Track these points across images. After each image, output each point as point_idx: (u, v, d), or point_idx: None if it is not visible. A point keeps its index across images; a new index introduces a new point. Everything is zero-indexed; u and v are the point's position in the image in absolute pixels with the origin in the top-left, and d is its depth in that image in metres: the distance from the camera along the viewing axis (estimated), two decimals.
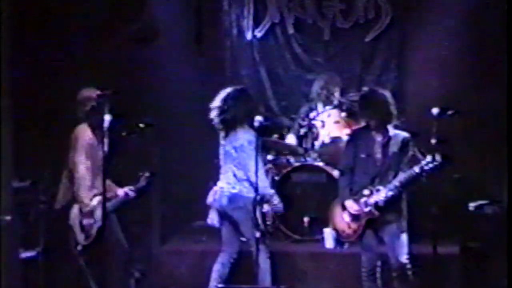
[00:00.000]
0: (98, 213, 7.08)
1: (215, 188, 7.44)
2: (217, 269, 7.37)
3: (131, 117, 7.43)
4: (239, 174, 7.19)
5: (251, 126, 7.21)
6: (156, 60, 9.22)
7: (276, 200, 7.33)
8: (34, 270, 7.90)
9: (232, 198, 7.21)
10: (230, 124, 7.26)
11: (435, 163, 6.58)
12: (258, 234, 7.03)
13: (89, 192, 7.18)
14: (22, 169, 8.15)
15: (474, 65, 8.96)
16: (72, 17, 9.07)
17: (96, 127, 7.21)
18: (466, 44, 8.99)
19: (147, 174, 7.38)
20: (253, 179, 7.09)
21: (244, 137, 7.16)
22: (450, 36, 9.08)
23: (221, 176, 7.40)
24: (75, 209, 7.28)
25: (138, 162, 8.10)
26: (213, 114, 7.32)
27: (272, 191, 7.38)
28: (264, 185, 7.25)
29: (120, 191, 7.38)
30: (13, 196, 7.74)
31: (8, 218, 7.57)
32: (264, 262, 7.21)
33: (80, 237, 7.25)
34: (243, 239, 7.49)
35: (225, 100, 7.32)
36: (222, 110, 7.29)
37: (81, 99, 7.37)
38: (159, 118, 8.00)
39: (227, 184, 7.27)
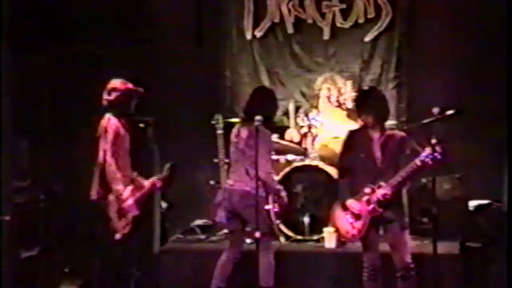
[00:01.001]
0: (131, 202, 7.16)
1: (224, 186, 7.42)
2: (220, 268, 7.36)
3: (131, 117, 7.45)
4: (252, 172, 7.17)
5: (268, 126, 7.21)
6: (156, 60, 9.22)
7: (283, 194, 7.38)
8: (34, 270, 7.92)
9: (244, 196, 7.20)
10: (251, 122, 7.23)
11: (435, 154, 6.56)
12: (258, 234, 7.01)
13: (120, 180, 7.16)
14: (22, 169, 8.18)
15: (474, 65, 8.95)
16: (72, 17, 9.08)
17: (121, 116, 7.25)
18: (466, 44, 8.99)
19: (169, 164, 7.43)
20: (265, 178, 7.09)
21: (260, 136, 7.15)
22: (450, 36, 9.07)
23: (231, 174, 7.39)
24: (111, 198, 7.22)
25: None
26: (241, 110, 7.36)
27: (281, 187, 7.40)
28: (274, 182, 7.30)
29: (147, 183, 7.41)
30: (13, 196, 7.76)
31: (8, 218, 7.59)
32: (268, 262, 7.21)
33: (119, 225, 7.24)
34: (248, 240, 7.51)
35: (252, 98, 7.37)
36: (248, 108, 7.31)
37: (107, 88, 7.39)
38: (159, 118, 7.99)
39: (239, 182, 7.26)
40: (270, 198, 7.16)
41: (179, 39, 9.42)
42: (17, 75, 8.17)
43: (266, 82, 9.77)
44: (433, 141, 6.62)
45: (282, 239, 8.48)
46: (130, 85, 7.38)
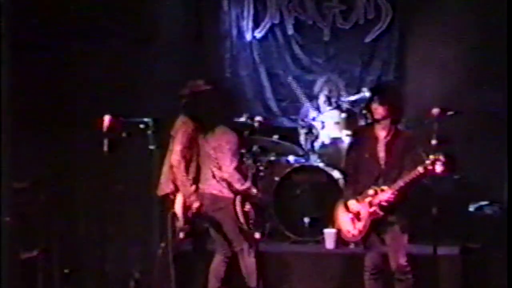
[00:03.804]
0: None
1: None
2: (213, 270, 7.33)
3: (131, 117, 7.44)
4: (218, 174, 7.13)
5: (230, 125, 7.16)
6: (155, 60, 9.21)
7: (254, 189, 7.29)
8: (34, 270, 7.92)
9: (212, 199, 7.13)
10: (209, 124, 7.19)
11: (437, 163, 6.53)
12: (258, 235, 7.00)
13: (189, 181, 7.14)
14: (22, 169, 8.16)
15: (474, 65, 8.96)
16: (71, 17, 9.07)
17: (194, 119, 7.21)
18: (466, 44, 9.00)
19: None
20: (229, 179, 7.05)
21: (223, 137, 7.11)
22: (450, 36, 9.08)
23: (201, 178, 7.33)
24: (179, 198, 7.18)
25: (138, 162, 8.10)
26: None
27: (247, 184, 7.23)
28: (239, 182, 7.14)
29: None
30: (13, 196, 7.75)
31: (8, 218, 7.58)
32: (249, 262, 7.13)
33: (183, 225, 7.19)
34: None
35: (207, 98, 7.26)
36: (204, 109, 7.24)
37: (183, 89, 7.35)
38: (159, 118, 7.99)
39: (207, 185, 7.19)
40: (238, 199, 7.08)
41: (179, 39, 9.41)
42: (17, 75, 8.17)
43: (266, 83, 9.78)
44: (434, 141, 6.63)
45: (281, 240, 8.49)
46: (202, 86, 7.30)
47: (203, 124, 7.23)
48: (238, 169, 7.09)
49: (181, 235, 7.19)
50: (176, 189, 7.20)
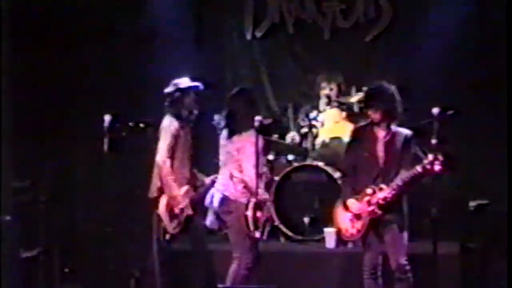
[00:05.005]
0: (186, 202, 7.17)
1: (212, 189, 7.37)
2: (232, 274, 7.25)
3: (131, 117, 7.45)
4: (236, 176, 7.09)
5: (255, 128, 7.14)
6: (156, 60, 9.21)
7: (264, 194, 7.25)
8: (34, 270, 7.93)
9: (224, 201, 7.09)
10: (235, 125, 7.16)
11: (436, 163, 6.54)
12: (257, 234, 6.98)
13: (175, 182, 7.17)
14: (22, 169, 8.18)
15: (474, 65, 8.95)
16: (71, 18, 9.08)
17: (179, 118, 7.25)
18: (466, 44, 8.99)
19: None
20: (249, 182, 7.00)
21: (249, 139, 7.08)
22: (450, 36, 9.07)
23: (219, 177, 7.33)
24: (163, 199, 7.22)
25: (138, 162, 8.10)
26: (222, 113, 7.24)
27: (260, 190, 7.14)
28: (258, 188, 7.05)
29: (208, 180, 7.38)
30: (13, 196, 7.77)
31: (8, 218, 7.60)
32: (240, 273, 7.02)
33: (170, 226, 7.24)
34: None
35: (233, 100, 7.23)
36: (230, 110, 7.21)
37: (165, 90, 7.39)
38: (159, 118, 8.00)
39: (222, 186, 7.18)
40: (251, 205, 7.03)
41: (179, 39, 9.40)
42: (18, 75, 8.18)
43: (266, 83, 9.77)
44: (433, 141, 6.64)
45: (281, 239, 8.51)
46: (180, 83, 7.34)
47: (189, 123, 7.25)
48: (259, 174, 7.00)
49: (167, 236, 7.21)
50: (162, 190, 7.21)
